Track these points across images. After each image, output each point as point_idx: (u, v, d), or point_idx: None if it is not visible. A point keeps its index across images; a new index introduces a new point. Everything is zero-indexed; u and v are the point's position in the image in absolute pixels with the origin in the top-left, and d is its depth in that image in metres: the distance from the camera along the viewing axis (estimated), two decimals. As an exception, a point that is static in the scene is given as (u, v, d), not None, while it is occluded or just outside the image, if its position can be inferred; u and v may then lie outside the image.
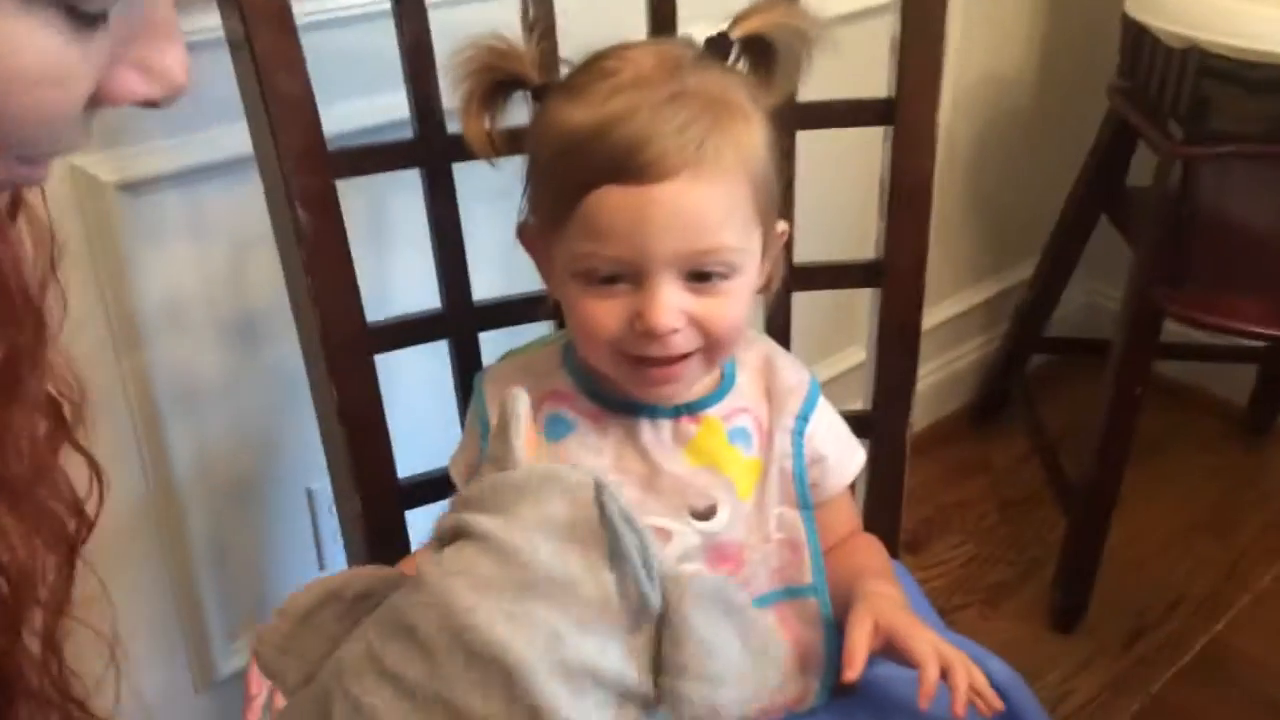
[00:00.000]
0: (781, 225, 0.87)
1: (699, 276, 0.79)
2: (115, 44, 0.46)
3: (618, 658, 0.53)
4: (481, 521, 0.54)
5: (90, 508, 0.67)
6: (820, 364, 1.82)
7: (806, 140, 1.03)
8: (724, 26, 0.86)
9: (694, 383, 0.84)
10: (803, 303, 1.07)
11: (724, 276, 0.79)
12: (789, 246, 1.03)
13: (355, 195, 1.15)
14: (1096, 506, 1.64)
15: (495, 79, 0.84)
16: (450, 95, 0.88)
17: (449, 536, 0.56)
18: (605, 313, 0.79)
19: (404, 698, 0.52)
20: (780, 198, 0.86)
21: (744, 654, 0.55)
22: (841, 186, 1.40)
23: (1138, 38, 1.63)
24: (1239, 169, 1.63)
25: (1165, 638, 1.68)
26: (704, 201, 0.77)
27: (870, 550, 0.94)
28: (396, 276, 1.21)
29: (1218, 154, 1.52)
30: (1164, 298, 1.50)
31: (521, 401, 0.63)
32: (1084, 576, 1.68)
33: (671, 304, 0.77)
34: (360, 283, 0.93)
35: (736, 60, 0.89)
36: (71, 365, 0.64)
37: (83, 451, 0.66)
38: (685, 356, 0.81)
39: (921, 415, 2.08)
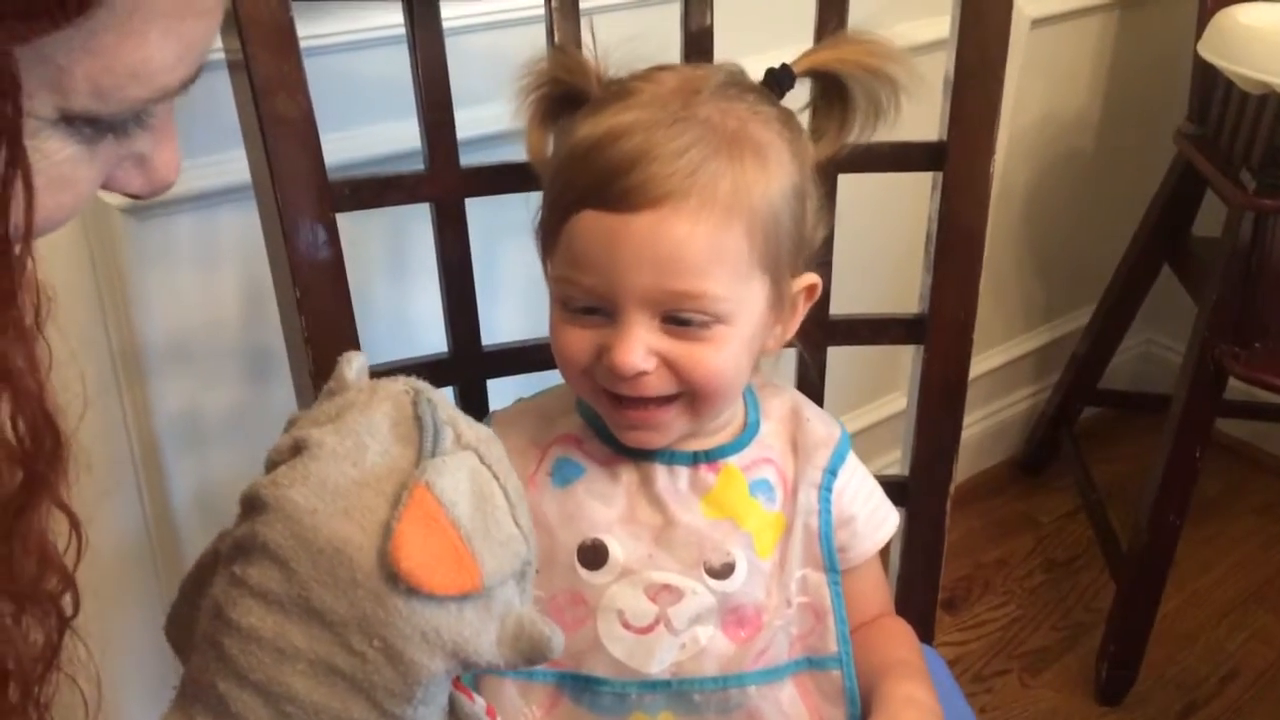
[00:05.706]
0: (808, 279, 0.80)
1: (677, 321, 0.73)
2: (121, 145, 0.49)
3: None
4: (314, 433, 0.58)
5: (69, 561, 0.65)
6: (857, 412, 1.75)
7: (850, 183, 0.96)
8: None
9: (677, 433, 0.78)
10: (840, 349, 1.00)
11: (704, 325, 0.73)
12: (824, 299, 0.96)
13: (380, 220, 1.10)
14: (1149, 573, 1.57)
15: (561, 90, 0.81)
16: (513, 113, 0.83)
17: (287, 455, 0.59)
18: (577, 341, 0.75)
19: (274, 610, 0.55)
20: (806, 250, 0.80)
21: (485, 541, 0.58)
22: (887, 232, 1.33)
23: (1210, 81, 1.56)
24: (1314, 223, 1.55)
25: (1218, 714, 1.59)
26: (684, 239, 0.70)
27: (900, 639, 0.86)
28: (424, 310, 1.16)
29: (1293, 207, 1.44)
30: (1229, 356, 1.44)
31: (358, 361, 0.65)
32: (1133, 646, 1.60)
33: (638, 344, 0.72)
34: (382, 316, 0.87)
35: (812, 102, 0.82)
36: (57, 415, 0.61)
37: (64, 509, 0.64)
38: (665, 402, 0.75)
39: (965, 467, 2.00)
